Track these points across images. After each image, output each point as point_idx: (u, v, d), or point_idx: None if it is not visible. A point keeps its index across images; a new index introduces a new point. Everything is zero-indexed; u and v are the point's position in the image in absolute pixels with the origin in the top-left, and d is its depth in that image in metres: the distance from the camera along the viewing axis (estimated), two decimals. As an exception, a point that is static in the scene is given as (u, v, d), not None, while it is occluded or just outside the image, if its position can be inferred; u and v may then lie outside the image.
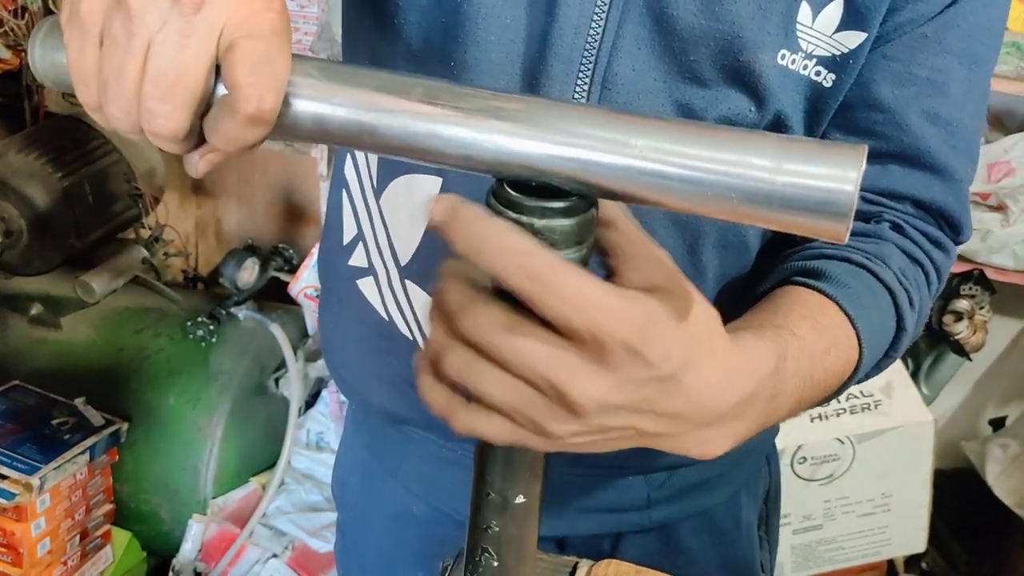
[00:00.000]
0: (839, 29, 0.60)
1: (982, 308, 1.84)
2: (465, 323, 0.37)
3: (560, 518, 0.79)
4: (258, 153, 2.32)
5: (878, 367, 0.63)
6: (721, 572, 0.85)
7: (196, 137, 0.41)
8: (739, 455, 0.81)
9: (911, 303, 0.62)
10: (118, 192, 1.99)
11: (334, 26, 1.75)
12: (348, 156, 0.78)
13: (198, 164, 0.42)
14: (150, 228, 2.21)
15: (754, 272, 0.71)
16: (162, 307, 1.97)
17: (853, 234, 0.62)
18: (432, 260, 0.70)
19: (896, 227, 0.64)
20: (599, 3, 0.59)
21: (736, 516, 0.86)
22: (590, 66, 0.61)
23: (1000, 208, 1.72)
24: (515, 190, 0.39)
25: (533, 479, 0.45)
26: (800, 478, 1.66)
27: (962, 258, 1.79)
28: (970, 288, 1.80)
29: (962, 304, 1.82)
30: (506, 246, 0.36)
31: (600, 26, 0.60)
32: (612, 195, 0.39)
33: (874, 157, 0.64)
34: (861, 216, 0.64)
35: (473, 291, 0.38)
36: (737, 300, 0.68)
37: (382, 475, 0.88)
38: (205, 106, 0.40)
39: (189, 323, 1.86)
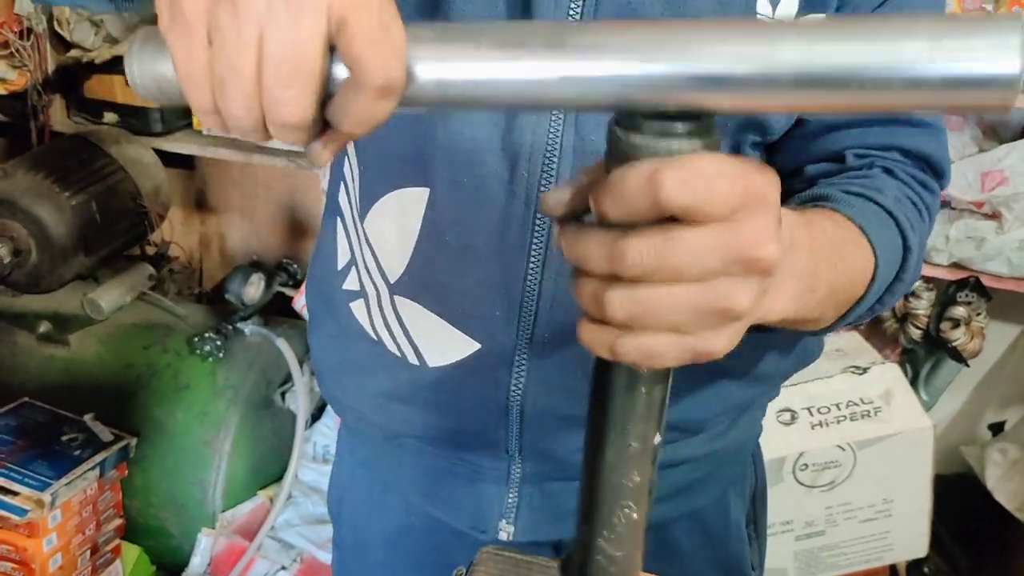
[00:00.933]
0: (799, 14, 0.63)
1: (979, 315, 1.85)
2: (628, 259, 0.38)
3: (553, 523, 0.80)
4: (261, 169, 2.34)
5: (892, 291, 0.64)
6: (713, 570, 0.87)
7: (319, 125, 0.40)
8: (727, 454, 0.84)
9: (912, 227, 0.64)
10: (124, 210, 2.01)
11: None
12: (342, 184, 0.79)
13: (323, 152, 0.41)
14: (156, 245, 2.23)
15: None
16: (169, 323, 1.98)
17: (848, 176, 0.66)
18: (426, 271, 0.71)
19: (887, 171, 0.68)
20: (572, 10, 0.61)
21: (726, 515, 0.88)
22: None
23: (994, 216, 1.74)
24: (633, 128, 0.38)
25: (663, 417, 0.44)
26: (802, 485, 1.67)
27: (958, 266, 1.81)
28: (966, 295, 1.81)
29: (959, 311, 1.83)
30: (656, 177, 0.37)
31: None
32: (765, 108, 0.39)
33: (859, 124, 0.68)
34: (856, 167, 0.68)
35: (610, 234, 0.38)
36: None
37: (380, 490, 0.89)
38: (324, 90, 0.38)
39: (196, 339, 1.87)
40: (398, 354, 0.76)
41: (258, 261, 2.07)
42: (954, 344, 1.85)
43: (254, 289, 1.98)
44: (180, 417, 1.83)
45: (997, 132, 1.93)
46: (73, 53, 2.03)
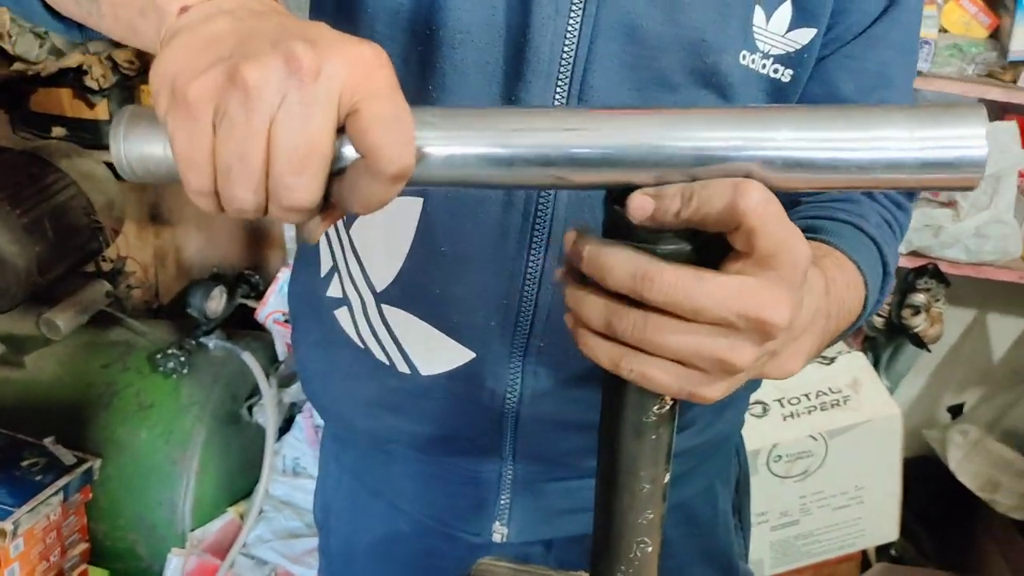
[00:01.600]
0: (791, 28, 0.65)
1: (937, 301, 1.90)
2: (657, 285, 0.39)
3: (546, 523, 0.81)
4: (219, 180, 2.30)
5: (872, 311, 0.68)
6: (702, 560, 0.88)
7: (322, 204, 0.40)
8: (712, 446, 0.86)
9: (890, 251, 0.68)
10: (78, 226, 1.95)
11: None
12: None
13: (318, 228, 0.42)
14: (111, 261, 2.18)
15: None
16: (128, 340, 1.94)
17: (835, 200, 0.70)
18: (418, 281, 0.71)
19: (867, 194, 0.72)
20: (571, 22, 0.62)
21: (713, 506, 0.90)
22: (567, 80, 0.63)
23: (951, 204, 1.79)
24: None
25: (671, 456, 0.48)
26: (776, 476, 1.70)
27: (917, 254, 1.85)
28: (926, 282, 1.86)
29: (919, 298, 1.88)
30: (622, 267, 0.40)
31: (574, 42, 0.62)
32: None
33: None
34: None
35: (643, 256, 0.40)
36: None
37: (367, 497, 0.88)
38: (331, 173, 0.39)
39: (158, 355, 1.84)
40: (387, 362, 0.75)
41: (218, 273, 2.03)
42: (915, 330, 1.89)
43: (216, 302, 1.95)
44: (145, 436, 1.80)
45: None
46: (17, 66, 1.97)
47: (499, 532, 0.81)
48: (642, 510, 0.48)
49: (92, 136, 1.99)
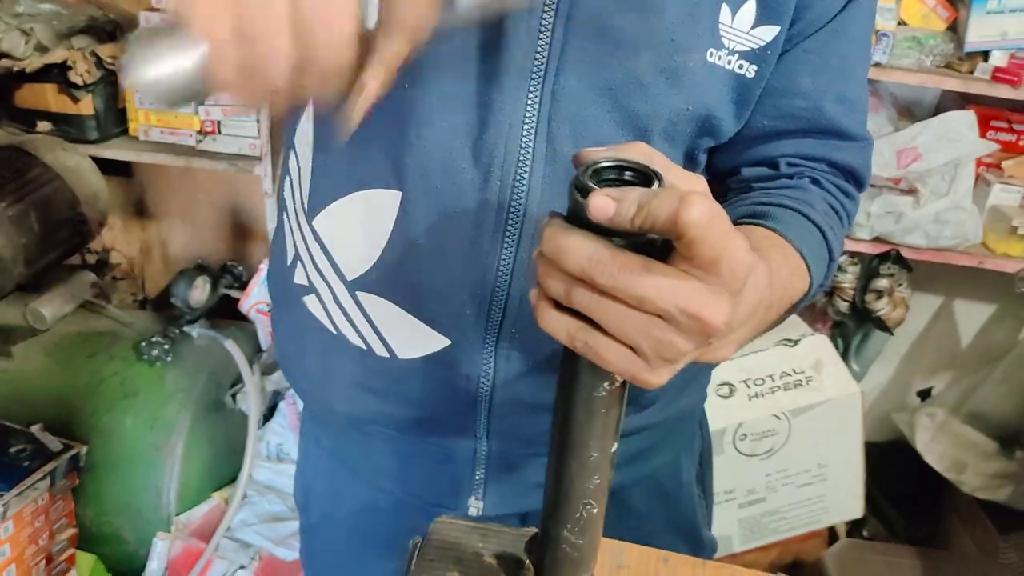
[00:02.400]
0: (755, 25, 0.67)
1: (900, 285, 1.94)
2: (605, 272, 0.42)
3: (521, 496, 0.83)
4: (201, 173, 2.33)
5: (815, 293, 0.70)
6: (668, 529, 0.91)
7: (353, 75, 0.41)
8: (677, 420, 0.88)
9: (835, 237, 0.70)
10: (63, 218, 1.99)
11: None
12: (287, 179, 0.80)
13: (362, 101, 0.43)
14: (96, 253, 2.21)
15: None
16: (114, 330, 1.96)
17: (783, 187, 0.72)
18: (396, 271, 0.72)
19: (815, 181, 0.74)
20: (544, 20, 0.63)
21: (678, 477, 0.93)
22: (539, 80, 0.64)
23: (911, 191, 1.83)
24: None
25: (618, 430, 0.50)
26: (742, 454, 1.73)
27: (880, 240, 1.89)
28: (888, 267, 1.89)
29: (882, 283, 1.92)
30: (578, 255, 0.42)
31: (547, 42, 0.64)
32: None
33: (796, 134, 0.73)
34: (787, 175, 0.73)
35: (597, 242, 0.42)
36: None
37: (346, 475, 0.90)
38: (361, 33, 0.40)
39: (143, 344, 1.86)
40: (363, 346, 0.76)
41: (203, 264, 2.06)
42: (878, 314, 1.93)
43: (199, 292, 1.97)
44: (130, 423, 1.82)
45: (911, 111, 2.03)
46: (2, 63, 2.00)
47: (474, 506, 0.82)
48: (589, 476, 0.50)
49: (77, 131, 2.01)
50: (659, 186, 0.43)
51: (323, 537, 0.96)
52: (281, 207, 0.83)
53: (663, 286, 0.42)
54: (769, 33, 0.67)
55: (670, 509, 0.92)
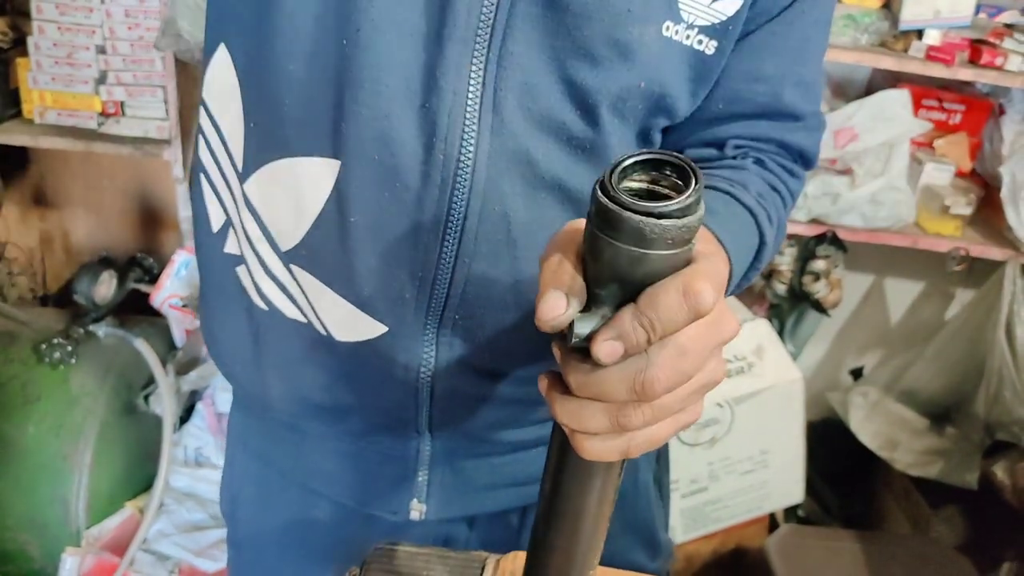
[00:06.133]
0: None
1: (836, 267, 1.94)
2: (656, 387, 0.43)
3: (466, 499, 0.80)
4: (104, 158, 2.19)
5: (747, 277, 0.70)
6: (625, 531, 0.89)
7: None
8: None
9: (770, 220, 0.68)
10: (-51, 210, 1.83)
11: (179, 20, 1.66)
12: (201, 138, 0.74)
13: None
14: (-10, 246, 2.05)
15: None
16: (11, 330, 1.84)
17: (722, 167, 0.70)
18: (326, 248, 0.67)
19: (758, 162, 0.72)
20: (484, 8, 0.59)
21: (635, 478, 0.90)
22: (485, 44, 0.61)
23: (847, 172, 1.82)
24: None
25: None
26: (685, 444, 1.72)
27: (816, 221, 1.89)
28: (825, 249, 1.90)
29: (819, 265, 1.92)
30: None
31: (493, 4, 0.60)
32: None
33: (750, 117, 0.72)
34: (731, 156, 0.72)
35: (629, 368, 0.43)
36: None
37: (277, 481, 0.85)
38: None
39: (43, 345, 1.74)
40: (303, 319, 0.72)
41: (108, 257, 1.93)
42: (816, 297, 1.94)
43: (105, 288, 1.85)
44: (32, 431, 1.71)
45: (845, 91, 2.02)
46: None
47: (417, 510, 0.79)
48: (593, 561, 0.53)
49: (-37, 114, 1.86)
50: (696, 184, 0.40)
51: (253, 550, 0.91)
52: (198, 168, 0.76)
53: (702, 346, 0.44)
54: (731, 7, 0.64)
55: (627, 511, 0.89)
